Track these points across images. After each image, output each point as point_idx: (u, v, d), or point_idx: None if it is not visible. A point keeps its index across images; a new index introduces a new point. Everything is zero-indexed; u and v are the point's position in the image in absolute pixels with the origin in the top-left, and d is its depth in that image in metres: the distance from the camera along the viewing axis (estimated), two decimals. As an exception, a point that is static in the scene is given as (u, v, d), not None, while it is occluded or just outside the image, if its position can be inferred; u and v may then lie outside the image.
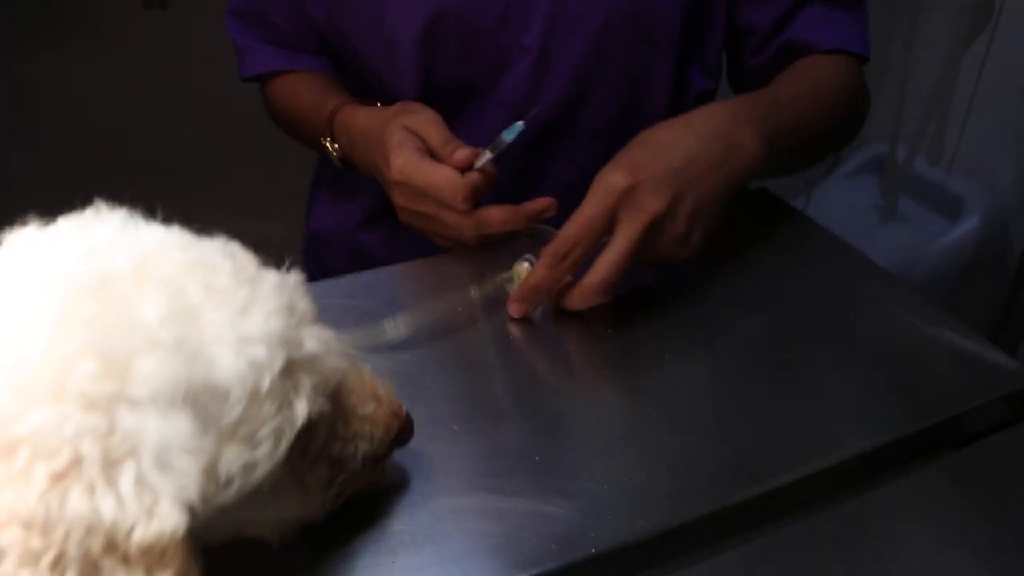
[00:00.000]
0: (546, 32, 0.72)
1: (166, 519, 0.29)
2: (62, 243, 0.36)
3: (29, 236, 0.36)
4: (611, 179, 0.55)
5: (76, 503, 0.28)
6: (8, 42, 1.42)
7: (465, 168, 0.64)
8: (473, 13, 0.71)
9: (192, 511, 0.30)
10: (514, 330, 0.58)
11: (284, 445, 0.35)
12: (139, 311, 0.32)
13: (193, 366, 0.32)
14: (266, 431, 0.34)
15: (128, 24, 1.47)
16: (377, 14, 0.72)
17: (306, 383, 0.36)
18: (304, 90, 0.80)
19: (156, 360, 0.31)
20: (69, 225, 0.37)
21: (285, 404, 0.35)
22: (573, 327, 0.58)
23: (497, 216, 0.64)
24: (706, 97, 0.81)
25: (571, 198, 0.59)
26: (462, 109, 0.76)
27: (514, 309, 0.58)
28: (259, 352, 0.34)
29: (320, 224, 0.91)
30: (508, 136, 0.63)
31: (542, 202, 0.65)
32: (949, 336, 0.59)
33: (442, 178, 0.62)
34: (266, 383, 0.34)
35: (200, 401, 0.32)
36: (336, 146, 0.75)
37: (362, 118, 0.71)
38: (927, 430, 0.52)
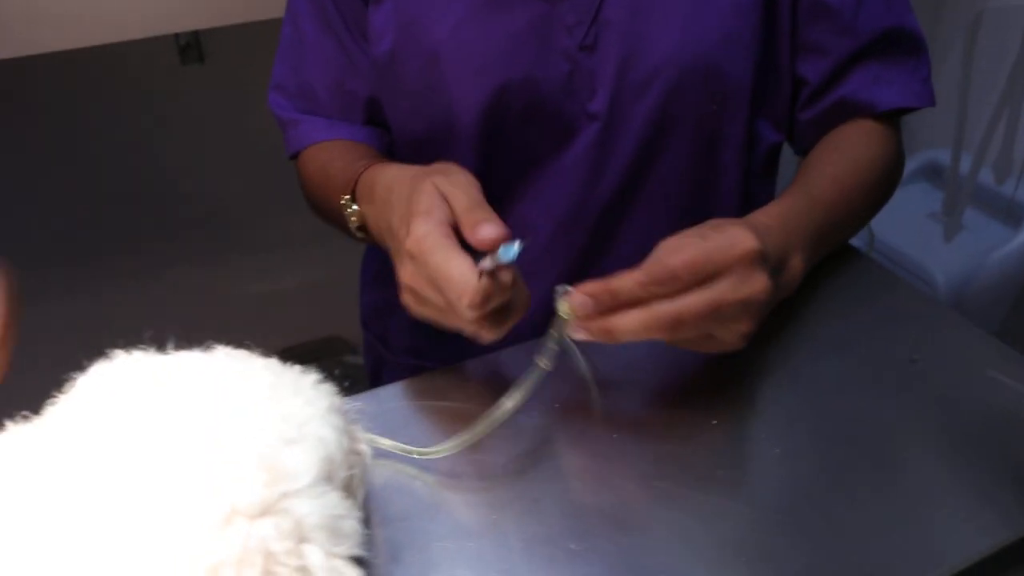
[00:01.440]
0: (612, 98, 0.70)
1: None
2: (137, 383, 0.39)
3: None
4: (742, 234, 0.51)
5: None
6: (53, 101, 1.44)
7: (483, 252, 0.52)
8: (538, 82, 0.69)
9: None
10: (619, 431, 0.57)
11: (364, 487, 0.43)
12: (256, 419, 0.37)
13: (317, 447, 0.38)
14: (356, 480, 0.42)
15: (167, 79, 1.48)
16: (434, 87, 0.71)
17: (357, 431, 0.44)
18: (338, 156, 0.73)
19: (298, 453, 0.37)
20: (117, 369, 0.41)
21: (355, 453, 0.43)
22: (678, 421, 0.57)
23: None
24: (775, 151, 0.79)
25: None
26: (525, 181, 0.74)
27: (578, 302, 0.50)
28: (335, 420, 0.41)
29: (373, 296, 0.90)
30: (504, 256, 0.50)
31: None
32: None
33: (456, 271, 0.50)
34: (346, 442, 0.41)
35: (329, 472, 0.38)
36: (354, 208, 0.66)
37: (390, 173, 0.61)
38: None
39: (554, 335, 0.53)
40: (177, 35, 1.45)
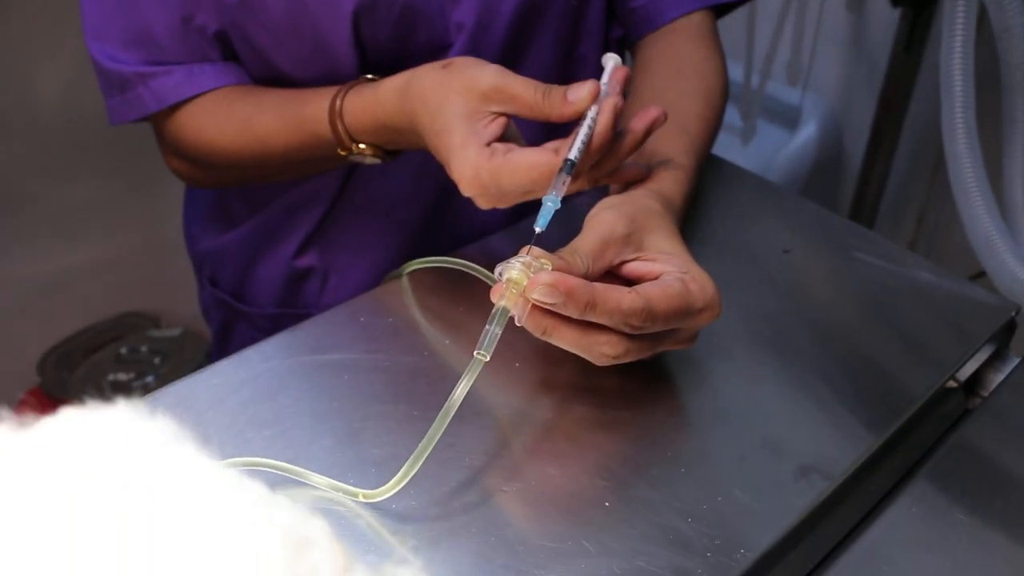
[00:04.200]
0: (477, 5, 0.67)
1: None
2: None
3: None
4: (710, 282, 0.49)
5: None
6: None
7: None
8: None
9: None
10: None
11: None
12: None
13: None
14: None
15: None
16: (299, 18, 0.64)
17: None
18: (251, 105, 0.67)
19: None
20: None
21: None
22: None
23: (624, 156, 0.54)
24: (621, 44, 0.78)
25: None
26: None
27: (546, 292, 0.43)
28: None
29: (211, 244, 0.82)
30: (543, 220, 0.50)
31: (652, 112, 0.54)
32: (927, 279, 0.61)
33: (537, 170, 0.50)
34: None
35: None
36: (362, 147, 0.62)
37: (386, 106, 0.58)
38: (948, 391, 0.55)
39: (500, 312, 0.45)
40: None
